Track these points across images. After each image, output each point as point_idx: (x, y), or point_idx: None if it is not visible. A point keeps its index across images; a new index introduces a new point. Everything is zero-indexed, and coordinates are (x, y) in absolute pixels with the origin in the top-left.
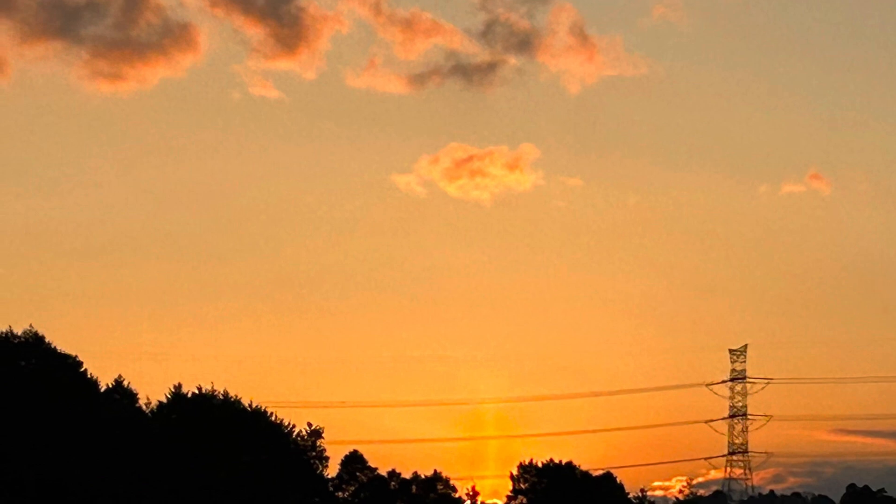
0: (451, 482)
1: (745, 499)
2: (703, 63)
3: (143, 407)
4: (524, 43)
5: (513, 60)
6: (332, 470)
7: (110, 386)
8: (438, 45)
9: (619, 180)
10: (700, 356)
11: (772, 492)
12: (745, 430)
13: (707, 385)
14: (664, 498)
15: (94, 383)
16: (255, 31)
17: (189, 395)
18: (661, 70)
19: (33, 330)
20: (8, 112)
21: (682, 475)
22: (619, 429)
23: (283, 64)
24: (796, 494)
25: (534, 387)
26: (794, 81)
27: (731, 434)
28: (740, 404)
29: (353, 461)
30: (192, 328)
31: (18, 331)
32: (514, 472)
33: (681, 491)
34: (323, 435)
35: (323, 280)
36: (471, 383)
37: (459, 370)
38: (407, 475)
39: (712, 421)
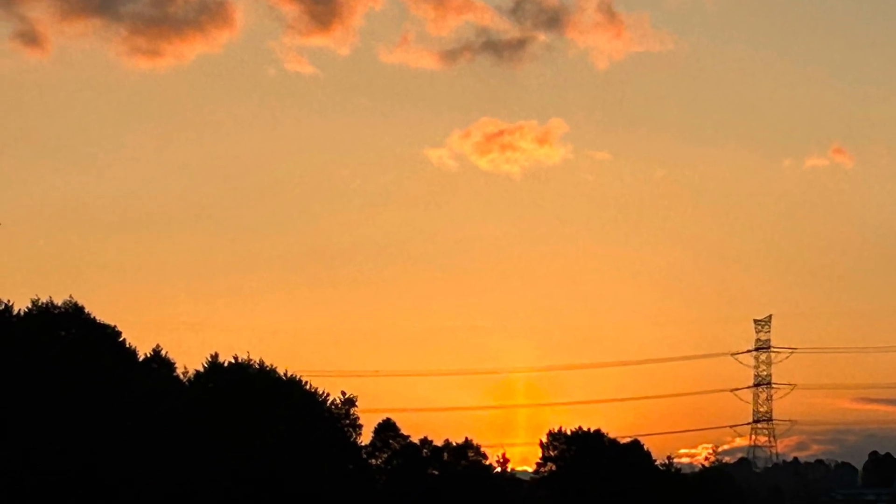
0: (482, 449)
1: (770, 466)
2: (728, 39)
3: (181, 376)
4: (553, 20)
5: (542, 37)
6: (365, 437)
7: (148, 355)
8: (470, 22)
9: (646, 154)
10: (725, 326)
11: (795, 459)
12: (769, 399)
13: (732, 354)
14: (690, 465)
15: (132, 353)
16: (290, 8)
17: (225, 364)
18: (687, 46)
19: (73, 301)
20: (48, 88)
21: (708, 443)
22: (646, 397)
23: (318, 40)
24: (819, 462)
25: (563, 356)
26: (818, 57)
27: (755, 402)
28: (765, 373)
29: (386, 429)
30: (228, 299)
31: (59, 301)
32: (544, 440)
33: (706, 458)
34: (356, 403)
35: (356, 252)
36: (501, 353)
37: (490, 340)
38: (439, 443)
39: (737, 389)
